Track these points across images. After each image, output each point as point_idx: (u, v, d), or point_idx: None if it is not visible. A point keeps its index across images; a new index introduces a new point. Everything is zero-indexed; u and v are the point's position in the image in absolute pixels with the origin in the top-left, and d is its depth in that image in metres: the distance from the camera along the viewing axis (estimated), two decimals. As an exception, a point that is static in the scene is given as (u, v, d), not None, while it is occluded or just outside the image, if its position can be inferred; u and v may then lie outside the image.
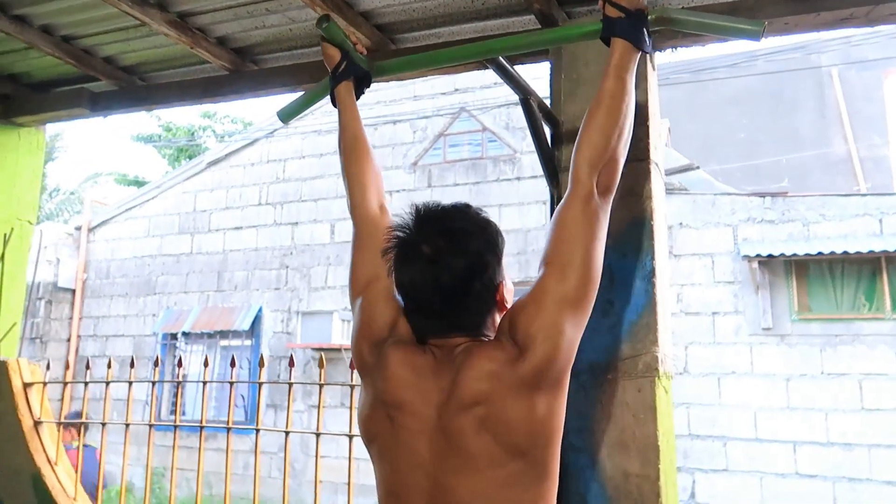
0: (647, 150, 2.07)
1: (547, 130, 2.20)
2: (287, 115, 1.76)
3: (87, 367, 3.23)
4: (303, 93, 1.76)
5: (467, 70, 2.69)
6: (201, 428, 2.77)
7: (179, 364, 3.10)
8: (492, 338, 1.25)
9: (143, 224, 10.17)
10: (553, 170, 2.18)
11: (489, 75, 3.77)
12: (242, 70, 3.10)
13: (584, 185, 1.29)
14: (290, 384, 2.56)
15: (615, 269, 2.03)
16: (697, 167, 6.78)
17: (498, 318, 1.27)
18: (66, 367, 9.81)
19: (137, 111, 3.48)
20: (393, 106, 8.65)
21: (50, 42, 3.02)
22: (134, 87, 3.38)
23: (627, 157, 2.07)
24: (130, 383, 2.89)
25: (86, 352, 10.04)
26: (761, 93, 12.20)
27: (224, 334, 9.11)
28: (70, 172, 31.02)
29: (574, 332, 1.22)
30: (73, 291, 10.30)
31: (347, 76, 1.60)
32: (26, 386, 3.35)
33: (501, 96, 7.93)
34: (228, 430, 2.75)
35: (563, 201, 1.31)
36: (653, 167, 2.07)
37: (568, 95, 2.21)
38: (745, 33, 1.41)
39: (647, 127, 2.08)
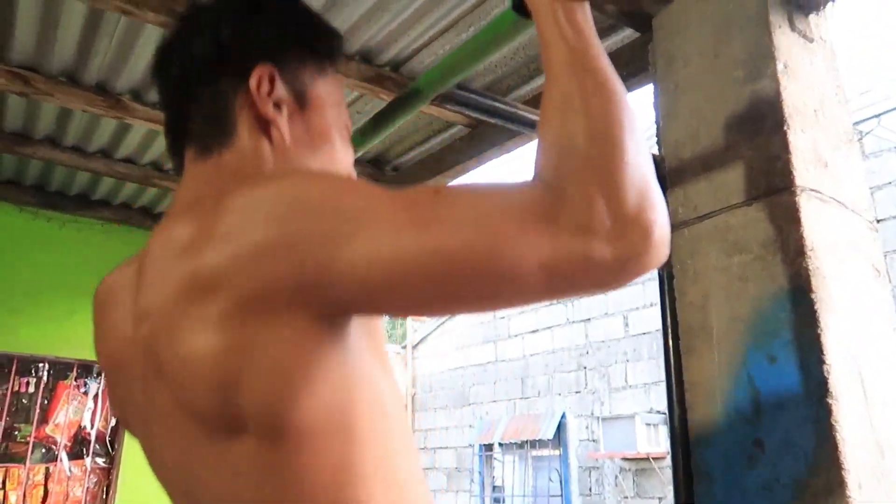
0: (790, 174, 1.21)
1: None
2: None
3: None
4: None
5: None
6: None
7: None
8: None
9: (452, 337, 10.65)
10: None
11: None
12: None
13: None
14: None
15: (760, 385, 1.17)
16: None
17: (267, 147, 0.69)
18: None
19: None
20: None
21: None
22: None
23: (755, 193, 1.25)
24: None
25: (422, 464, 10.63)
26: None
27: (532, 443, 8.79)
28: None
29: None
30: (405, 406, 11.18)
31: None
32: None
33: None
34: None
35: None
36: (806, 199, 1.19)
37: (667, 116, 1.46)
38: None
39: (785, 135, 1.22)
